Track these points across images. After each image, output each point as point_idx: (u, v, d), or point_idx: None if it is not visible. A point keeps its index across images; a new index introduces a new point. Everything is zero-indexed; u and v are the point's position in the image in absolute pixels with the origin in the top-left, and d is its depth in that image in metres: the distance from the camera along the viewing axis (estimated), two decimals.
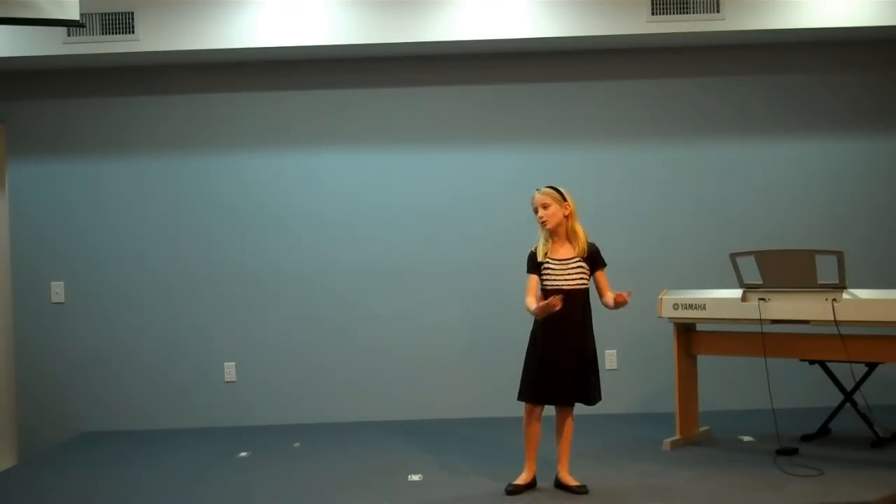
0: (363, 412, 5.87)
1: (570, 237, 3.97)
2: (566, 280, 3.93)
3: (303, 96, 5.93)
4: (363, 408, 5.88)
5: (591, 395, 3.97)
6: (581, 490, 3.98)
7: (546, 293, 3.94)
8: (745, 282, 4.70)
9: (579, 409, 4.02)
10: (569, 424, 4.04)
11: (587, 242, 3.97)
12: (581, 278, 3.94)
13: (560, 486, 4.06)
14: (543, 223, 3.96)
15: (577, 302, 3.92)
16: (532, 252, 4.04)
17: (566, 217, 3.95)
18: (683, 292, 4.88)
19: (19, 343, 5.91)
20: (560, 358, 3.93)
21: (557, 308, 3.78)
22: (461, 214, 5.89)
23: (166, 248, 5.91)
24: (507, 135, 5.92)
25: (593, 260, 3.97)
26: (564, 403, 4.00)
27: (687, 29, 5.46)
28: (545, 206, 3.94)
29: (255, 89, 5.92)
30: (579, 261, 3.94)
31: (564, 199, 3.95)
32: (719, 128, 5.94)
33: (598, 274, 4.00)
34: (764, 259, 4.60)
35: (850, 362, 4.53)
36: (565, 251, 3.97)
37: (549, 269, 3.96)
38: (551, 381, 3.94)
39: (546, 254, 3.98)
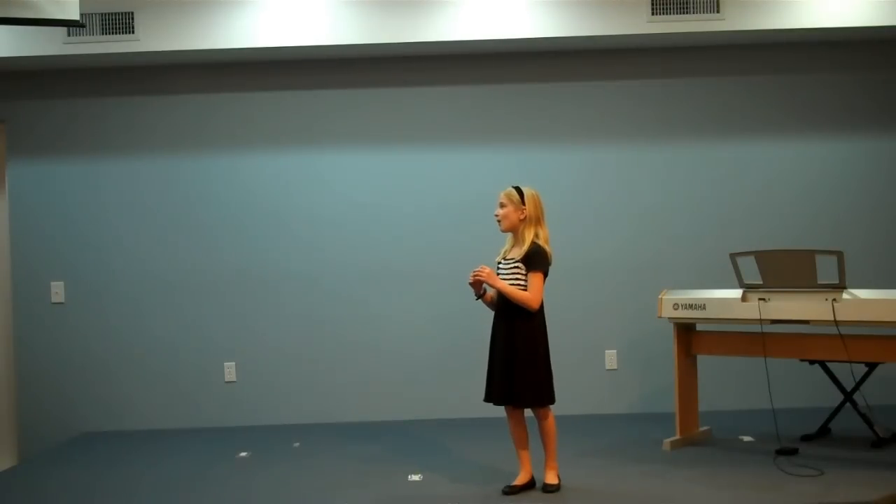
0: (363, 412, 5.87)
1: (520, 240, 4.01)
2: (503, 279, 3.98)
3: (303, 96, 5.93)
4: (363, 408, 5.88)
5: (520, 396, 3.95)
6: (548, 489, 4.00)
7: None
8: (745, 282, 4.70)
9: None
10: (541, 424, 4.03)
11: (532, 244, 3.95)
12: (515, 279, 3.96)
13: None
14: (498, 222, 4.04)
15: (507, 302, 3.97)
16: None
17: (521, 220, 3.98)
18: (683, 292, 4.88)
19: (19, 343, 5.90)
20: (494, 357, 4.04)
21: (475, 286, 3.98)
22: (463, 214, 5.87)
23: (166, 248, 5.91)
24: (508, 135, 5.91)
25: (526, 261, 3.96)
26: (495, 402, 4.04)
27: (687, 29, 5.46)
28: (502, 206, 4.02)
29: (255, 89, 5.92)
30: (516, 262, 3.97)
31: (523, 203, 3.97)
32: (719, 128, 5.94)
33: (528, 275, 3.96)
34: (764, 259, 4.60)
35: (850, 362, 4.53)
36: (514, 252, 4.03)
37: (498, 268, 4.05)
38: (490, 381, 4.05)
39: (503, 254, 4.08)
